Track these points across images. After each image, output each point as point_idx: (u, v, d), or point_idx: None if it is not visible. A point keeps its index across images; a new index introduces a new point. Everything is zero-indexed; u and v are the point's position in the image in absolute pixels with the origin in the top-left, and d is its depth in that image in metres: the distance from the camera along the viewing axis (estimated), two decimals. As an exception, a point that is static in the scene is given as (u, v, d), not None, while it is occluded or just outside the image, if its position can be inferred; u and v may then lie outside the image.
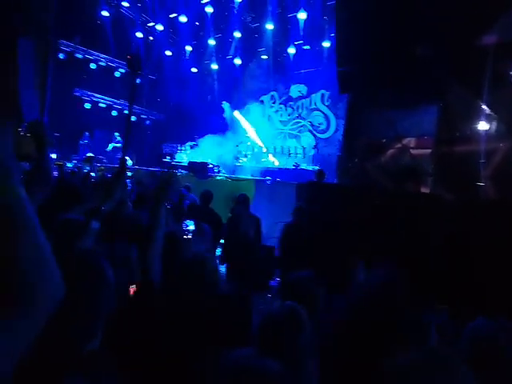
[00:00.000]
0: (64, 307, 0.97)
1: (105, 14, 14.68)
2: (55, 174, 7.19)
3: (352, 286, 1.38)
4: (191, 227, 3.63)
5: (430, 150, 7.06)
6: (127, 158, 10.15)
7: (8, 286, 0.59)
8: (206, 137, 14.93)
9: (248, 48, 15.47)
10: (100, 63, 16.01)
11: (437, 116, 6.82)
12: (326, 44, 13.14)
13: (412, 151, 7.44)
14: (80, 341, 1.00)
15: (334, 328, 1.30)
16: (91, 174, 8.34)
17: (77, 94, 15.50)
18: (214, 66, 16.78)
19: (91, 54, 15.60)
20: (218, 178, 10.33)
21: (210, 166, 11.36)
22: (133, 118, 16.61)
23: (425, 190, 6.57)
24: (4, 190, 0.62)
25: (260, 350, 1.19)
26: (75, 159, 13.12)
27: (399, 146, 7.61)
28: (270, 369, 0.91)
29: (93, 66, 15.78)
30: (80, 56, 15.22)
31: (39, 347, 0.66)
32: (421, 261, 3.55)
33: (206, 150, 14.05)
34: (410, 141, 7.63)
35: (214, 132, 15.02)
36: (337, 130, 13.50)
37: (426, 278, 3.09)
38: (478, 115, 6.34)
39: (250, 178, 10.51)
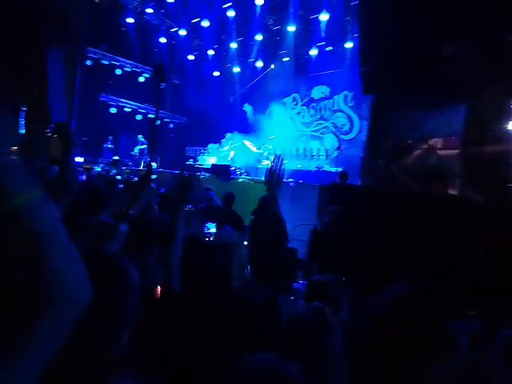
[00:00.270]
0: (89, 310, 0.98)
1: (129, 20, 15.05)
2: (83, 177, 7.41)
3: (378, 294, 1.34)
4: (213, 230, 3.65)
5: (457, 151, 6.85)
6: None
7: (39, 287, 0.62)
8: (235, 134, 15.04)
9: (270, 50, 15.50)
10: (125, 69, 16.40)
11: (465, 116, 6.62)
12: (349, 45, 13.01)
13: (439, 152, 7.24)
14: (104, 344, 1.01)
15: (358, 336, 1.27)
16: (117, 177, 8.55)
17: (103, 99, 15.93)
18: (236, 69, 16.89)
19: (117, 60, 16.01)
20: (241, 180, 10.37)
21: (233, 168, 11.42)
22: (158, 122, 16.93)
23: (452, 191, 6.38)
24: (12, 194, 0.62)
25: (285, 352, 1.17)
26: (102, 163, 13.48)
27: (425, 146, 7.42)
28: (288, 371, 0.90)
29: (118, 71, 16.19)
30: (106, 62, 15.64)
31: (65, 351, 0.68)
32: (450, 265, 3.44)
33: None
34: (437, 141, 7.43)
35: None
36: (360, 132, 13.31)
37: (456, 284, 2.99)
38: (509, 114, 6.11)
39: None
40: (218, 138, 15.83)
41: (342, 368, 1.15)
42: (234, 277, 1.59)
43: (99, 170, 10.46)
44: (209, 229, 3.76)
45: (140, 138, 15.20)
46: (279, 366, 0.89)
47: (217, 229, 3.88)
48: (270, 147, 14.20)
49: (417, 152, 7.50)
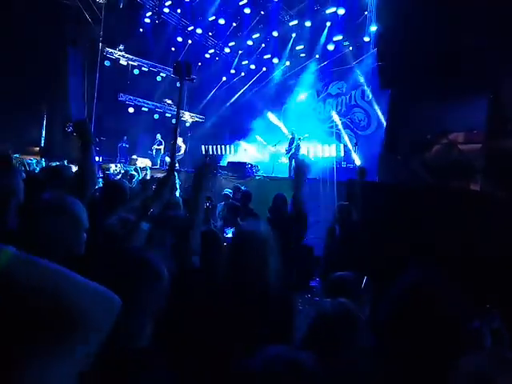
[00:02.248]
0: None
1: (147, 21, 15.21)
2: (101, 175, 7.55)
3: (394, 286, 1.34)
4: (230, 235, 3.60)
5: (480, 145, 6.67)
6: (167, 158, 10.41)
7: (62, 316, 0.67)
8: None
9: (286, 47, 15.41)
10: (143, 69, 16.60)
11: (487, 108, 6.43)
12: (366, 39, 12.81)
13: (460, 146, 7.07)
14: (125, 338, 1.01)
15: (376, 329, 1.26)
16: (135, 174, 8.66)
17: (121, 99, 16.16)
18: (252, 66, 16.87)
19: (134, 61, 16.21)
20: (257, 177, 10.36)
21: (249, 166, 11.42)
22: (173, 121, 17.07)
23: (474, 187, 6.22)
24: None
25: (311, 347, 1.16)
26: (120, 162, 13.67)
27: (446, 141, 7.25)
28: (304, 362, 0.88)
29: (136, 71, 16.39)
30: (124, 63, 15.86)
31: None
32: (471, 262, 3.35)
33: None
34: (458, 135, 7.25)
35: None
36: (378, 127, 13.12)
37: (478, 280, 2.92)
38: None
39: (289, 177, 10.45)
40: (234, 136, 15.85)
41: (369, 362, 1.14)
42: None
43: (117, 168, 10.60)
44: (227, 234, 3.71)
45: (158, 136, 15.34)
46: (295, 356, 0.88)
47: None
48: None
49: (437, 147, 7.34)
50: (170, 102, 17.18)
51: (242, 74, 17.49)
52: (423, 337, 1.14)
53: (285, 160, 13.22)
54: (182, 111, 17.25)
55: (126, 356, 0.98)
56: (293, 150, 11.64)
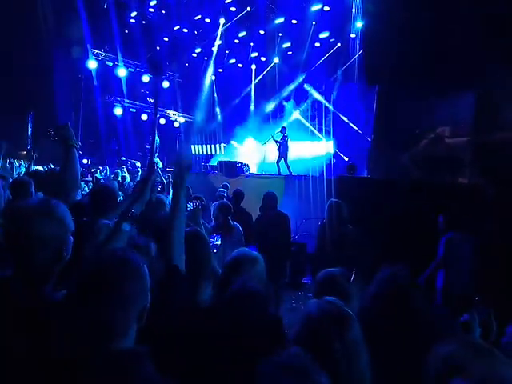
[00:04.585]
0: (89, 303, 0.99)
1: (132, 21, 15.09)
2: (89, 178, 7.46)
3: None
4: (218, 242, 3.55)
5: (466, 139, 6.75)
6: (158, 160, 10.23)
7: None
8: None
9: (273, 44, 15.40)
10: (129, 69, 16.44)
11: (474, 102, 6.50)
12: (353, 35, 12.86)
13: (447, 140, 7.15)
14: (104, 338, 1.00)
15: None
16: (125, 176, 8.59)
17: (108, 100, 16.00)
18: (240, 65, 16.83)
19: (120, 61, 16.05)
20: (248, 176, 10.36)
21: (239, 164, 11.40)
22: (162, 121, 16.96)
23: (462, 180, 6.30)
24: None
25: (303, 349, 1.15)
26: (108, 164, 13.54)
27: (433, 135, 7.33)
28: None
29: (122, 72, 16.23)
30: (110, 63, 15.69)
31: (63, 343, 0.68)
32: (460, 260, 3.39)
33: None
34: (445, 129, 7.33)
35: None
36: (367, 123, 13.18)
37: (465, 277, 2.95)
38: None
39: (278, 175, 10.47)
40: (225, 137, 15.81)
41: (363, 359, 1.15)
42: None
43: (106, 171, 10.49)
44: (215, 241, 3.63)
45: (157, 139, 15.16)
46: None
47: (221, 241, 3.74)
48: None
49: (425, 141, 7.42)
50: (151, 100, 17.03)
51: (230, 73, 17.44)
52: (398, 327, 1.19)
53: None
54: (173, 112, 17.17)
55: (111, 358, 0.97)
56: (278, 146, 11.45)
